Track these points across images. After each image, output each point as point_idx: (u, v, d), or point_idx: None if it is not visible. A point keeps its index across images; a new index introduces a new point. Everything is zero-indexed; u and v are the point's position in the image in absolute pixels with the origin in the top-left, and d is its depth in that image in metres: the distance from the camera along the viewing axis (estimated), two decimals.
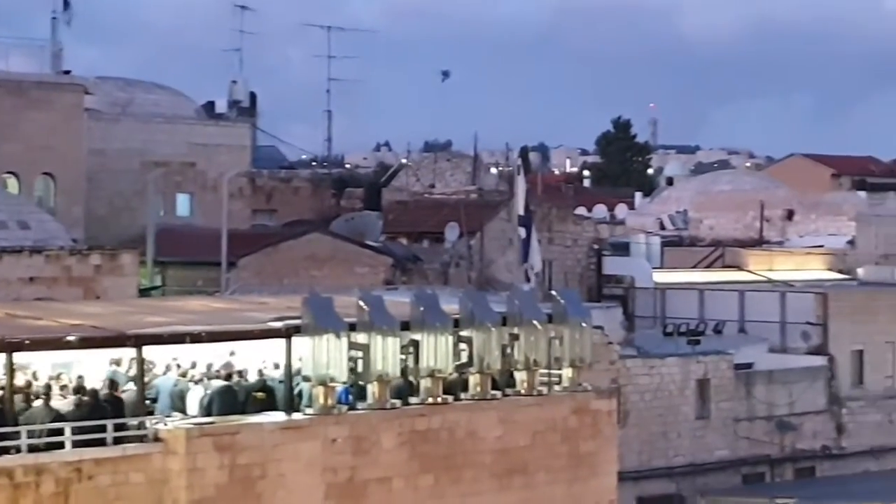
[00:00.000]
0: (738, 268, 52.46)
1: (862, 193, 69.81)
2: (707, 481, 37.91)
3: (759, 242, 58.72)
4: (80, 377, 24.39)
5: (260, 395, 25.28)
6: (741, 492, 37.71)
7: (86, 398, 23.80)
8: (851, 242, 58.34)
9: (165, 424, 23.74)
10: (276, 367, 25.75)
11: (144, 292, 35.18)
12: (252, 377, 25.71)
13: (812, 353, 42.06)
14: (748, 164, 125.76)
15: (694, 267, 53.01)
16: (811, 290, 45.15)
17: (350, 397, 25.53)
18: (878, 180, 76.75)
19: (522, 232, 42.71)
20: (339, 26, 66.51)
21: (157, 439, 23.48)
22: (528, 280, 40.42)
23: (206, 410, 24.55)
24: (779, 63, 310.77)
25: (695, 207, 65.12)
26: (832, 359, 41.81)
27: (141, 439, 23.46)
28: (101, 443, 22.95)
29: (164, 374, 25.51)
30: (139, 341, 24.42)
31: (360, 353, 25.12)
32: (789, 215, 63.78)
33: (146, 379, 24.71)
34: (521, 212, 42.96)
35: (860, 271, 53.17)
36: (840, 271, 54.00)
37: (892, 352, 43.30)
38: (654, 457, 37.08)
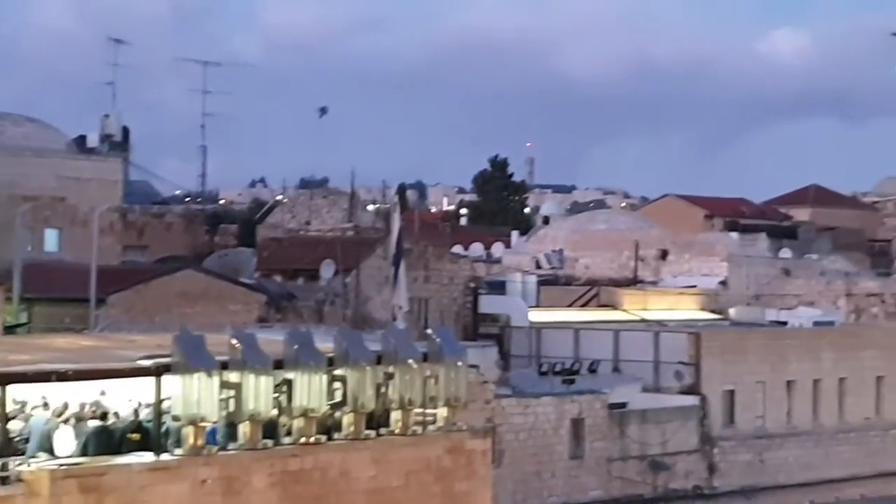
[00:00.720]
0: (613, 307, 52.82)
1: (734, 234, 70.76)
2: None
3: (633, 282, 59.16)
4: None
5: (135, 436, 24.85)
6: None
7: None
8: (723, 283, 59.01)
9: (29, 465, 23.29)
10: (148, 406, 25.39)
11: (10, 329, 34.50)
12: (127, 417, 25.33)
13: (685, 393, 42.40)
14: (623, 204, 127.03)
15: (569, 306, 53.26)
16: (684, 330, 45.67)
17: (221, 437, 25.22)
18: (750, 221, 77.94)
19: (400, 271, 42.68)
20: (216, 61, 66.13)
21: (20, 481, 23.03)
22: (394, 319, 40.26)
23: (82, 451, 24.13)
24: (655, 103, 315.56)
25: (570, 247, 65.50)
26: (704, 398, 42.21)
27: (3, 481, 22.98)
28: None
29: (36, 414, 24.99)
30: (2, 380, 23.93)
31: (231, 393, 24.82)
32: (663, 255, 64.36)
33: (13, 420, 24.24)
34: (398, 250, 42.92)
35: (732, 311, 53.77)
36: (712, 311, 54.63)
37: (762, 391, 43.91)
38: (528, 496, 37.09)
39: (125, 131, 53.05)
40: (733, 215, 79.31)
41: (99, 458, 24.03)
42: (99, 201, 44.49)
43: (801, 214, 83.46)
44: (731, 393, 43.16)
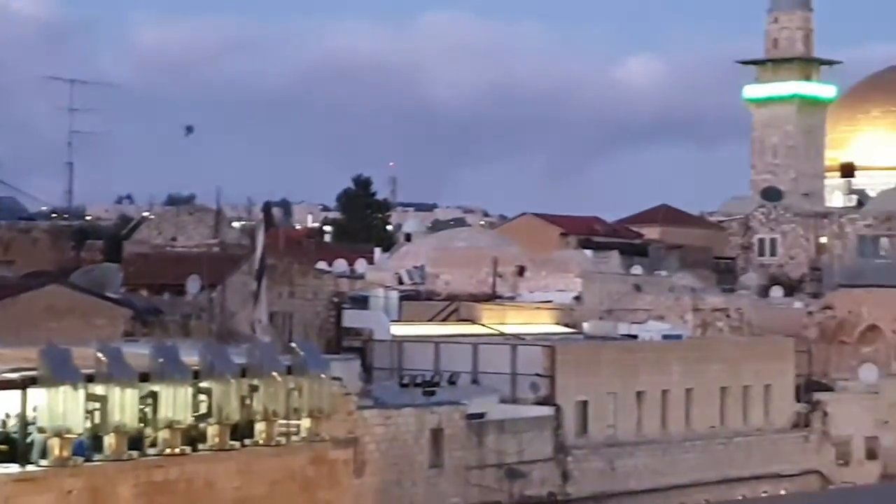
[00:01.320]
0: (472, 321, 53.03)
1: (588, 252, 71.65)
2: None
3: (491, 297, 59.57)
4: None
5: (2, 447, 24.57)
6: None
7: None
8: (578, 298, 59.64)
9: None
10: (13, 418, 25.07)
11: None
12: None
13: (540, 404, 42.65)
14: (482, 223, 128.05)
15: (430, 320, 53.41)
16: (540, 343, 46.01)
17: (86, 449, 25.00)
18: (603, 239, 78.91)
19: (263, 286, 42.59)
20: (83, 80, 65.52)
21: None
22: (253, 332, 40.13)
23: None
24: (516, 127, 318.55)
25: (431, 263, 65.74)
26: (559, 409, 42.56)
27: None
28: None
29: None
30: None
31: (97, 405, 24.64)
32: (520, 271, 64.91)
33: None
34: (262, 266, 42.82)
35: (585, 325, 54.37)
36: (567, 325, 55.10)
37: (613, 402, 44.45)
38: None
39: None
40: (587, 234, 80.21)
41: None
42: None
43: (651, 233, 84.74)
44: (585, 403, 43.57)
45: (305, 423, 29.01)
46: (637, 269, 68.83)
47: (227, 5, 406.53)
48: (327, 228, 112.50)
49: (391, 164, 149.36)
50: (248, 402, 27.64)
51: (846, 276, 71.74)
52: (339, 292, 51.21)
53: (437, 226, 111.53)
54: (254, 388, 27.77)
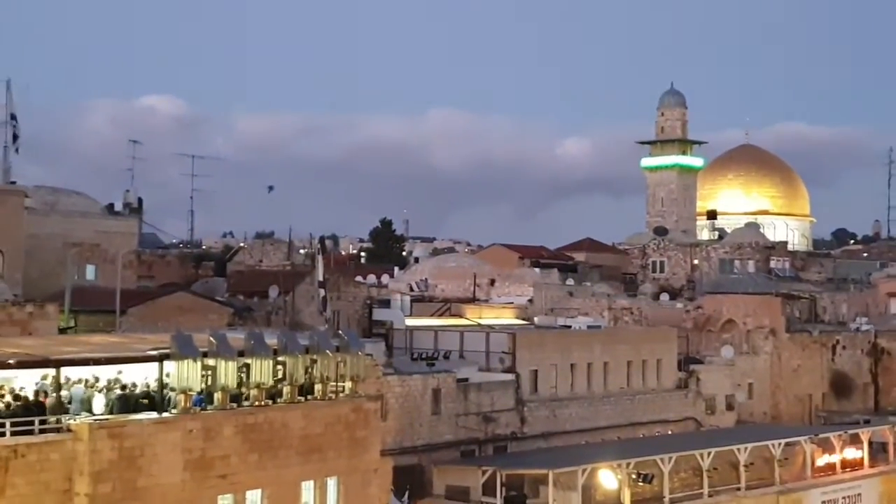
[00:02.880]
0: (460, 316, 53.27)
1: (537, 269, 71.81)
2: (439, 456, 38.08)
3: (472, 300, 59.83)
4: (19, 388, 23.77)
5: (144, 401, 24.90)
6: (460, 462, 38.11)
7: (20, 402, 23.16)
8: (531, 301, 59.91)
9: (75, 420, 23.21)
10: (154, 381, 25.35)
11: (63, 331, 34.01)
12: (140, 388, 25.31)
13: (505, 372, 42.64)
14: (466, 250, 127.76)
15: (431, 315, 53.64)
16: (505, 331, 46.07)
17: (202, 402, 25.28)
18: (547, 261, 79.02)
19: (321, 292, 42.96)
20: (200, 155, 67.37)
21: (69, 430, 22.98)
22: (325, 322, 40.40)
23: (109, 411, 24.09)
24: (490, 184, 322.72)
25: (432, 277, 66.04)
26: (518, 375, 42.52)
27: (58, 430, 22.93)
28: (31, 433, 22.49)
29: (77, 385, 24.83)
30: (58, 363, 23.91)
31: (209, 372, 24.99)
32: (492, 283, 65.24)
33: (63, 390, 24.10)
34: (320, 279, 43.17)
35: (536, 319, 54.48)
36: (524, 319, 55.25)
37: (555, 371, 44.31)
38: (404, 440, 37.18)
39: (139, 201, 52.82)
40: (537, 257, 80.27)
41: (121, 415, 23.99)
42: (122, 247, 44.24)
43: (580, 256, 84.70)
44: (536, 372, 43.44)
45: (348, 384, 29.29)
46: (570, 281, 68.99)
47: (299, 103, 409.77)
48: (363, 254, 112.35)
49: (405, 210, 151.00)
50: (310, 370, 27.94)
51: (711, 286, 71.96)
52: (371, 297, 51.47)
53: (436, 252, 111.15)
54: (314, 361, 28.08)
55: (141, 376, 25.35)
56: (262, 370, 26.28)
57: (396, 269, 75.21)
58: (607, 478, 32.97)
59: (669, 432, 46.74)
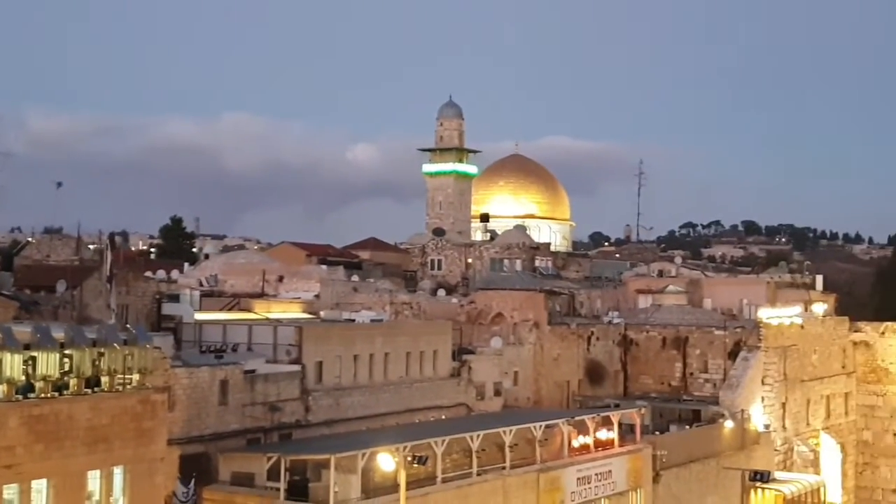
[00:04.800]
0: (248, 310, 52.59)
1: (324, 266, 71.91)
2: (225, 444, 37.52)
3: (261, 295, 59.20)
4: None
5: None
6: (246, 450, 37.67)
7: None
8: (317, 296, 59.84)
9: None
10: None
11: None
12: None
13: (292, 363, 42.57)
14: (256, 247, 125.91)
15: (220, 310, 52.70)
16: (292, 325, 45.88)
17: None
18: (334, 259, 79.37)
19: (108, 286, 41.45)
20: None
21: None
22: (112, 317, 39.00)
23: None
24: (282, 186, 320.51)
25: (222, 273, 64.85)
26: (304, 366, 42.52)
27: None
28: None
29: None
30: None
31: None
32: (280, 279, 64.69)
33: None
34: (109, 274, 41.62)
35: (322, 313, 54.46)
36: (310, 313, 55.15)
37: (339, 362, 44.39)
38: (192, 430, 36.46)
39: None
40: (324, 255, 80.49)
41: None
42: None
43: (364, 255, 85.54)
44: (321, 363, 43.46)
45: (136, 376, 28.57)
46: (355, 278, 69.50)
47: (96, 103, 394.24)
48: (153, 251, 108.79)
49: (197, 216, 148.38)
50: (97, 363, 27.10)
51: (483, 283, 74.11)
52: (160, 292, 50.03)
53: (226, 249, 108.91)
54: (101, 354, 27.26)
55: None
56: (48, 363, 25.33)
57: (186, 265, 73.37)
58: (385, 461, 33.48)
59: (443, 417, 47.72)
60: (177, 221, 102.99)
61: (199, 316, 47.80)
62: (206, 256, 79.96)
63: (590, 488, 43.33)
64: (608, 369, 63.81)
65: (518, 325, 58.76)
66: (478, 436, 38.84)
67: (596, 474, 43.85)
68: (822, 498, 58.26)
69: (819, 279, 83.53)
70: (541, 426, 42.20)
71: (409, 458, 33.81)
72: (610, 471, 44.72)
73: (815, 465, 61.84)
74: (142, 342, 29.03)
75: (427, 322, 56.35)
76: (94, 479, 26.76)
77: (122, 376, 27.97)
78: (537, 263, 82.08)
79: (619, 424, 47.05)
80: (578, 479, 42.87)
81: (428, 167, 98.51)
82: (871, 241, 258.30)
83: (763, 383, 60.07)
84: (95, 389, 27.16)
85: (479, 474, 38.75)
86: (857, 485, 70.44)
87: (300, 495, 33.78)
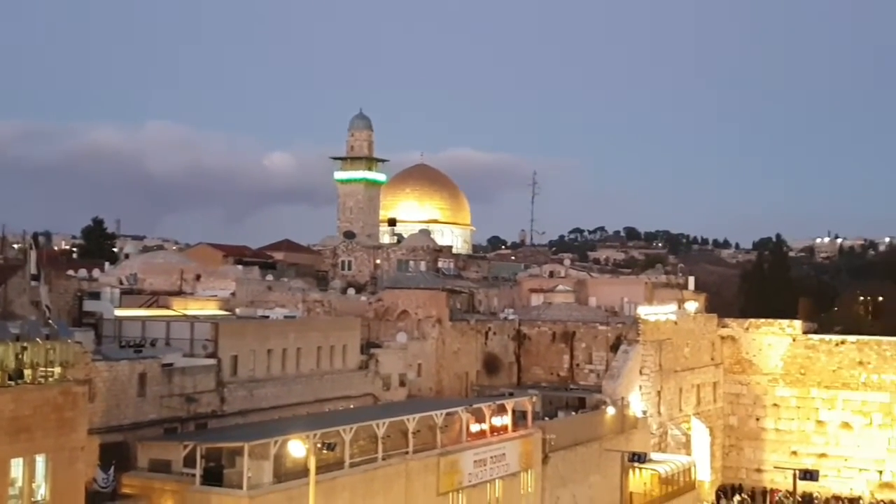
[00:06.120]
0: (167, 307, 51.64)
1: (240, 266, 70.98)
2: (144, 433, 36.87)
3: (179, 293, 58.15)
4: None
5: None
6: (163, 438, 37.09)
7: None
8: (233, 294, 59.14)
9: None
10: None
11: None
12: None
13: (208, 357, 42.02)
14: (175, 248, 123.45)
15: (139, 307, 51.58)
16: (209, 321, 45.33)
17: None
18: (250, 259, 78.38)
19: (33, 284, 40.23)
20: None
21: None
22: (48, 312, 37.82)
23: None
24: (202, 191, 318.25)
25: (141, 272, 63.51)
26: (220, 360, 42.07)
27: None
28: None
29: None
30: None
31: None
32: (198, 278, 63.68)
33: None
34: (33, 272, 40.44)
35: (238, 310, 53.92)
36: (226, 310, 54.49)
37: (253, 356, 44.04)
38: (111, 420, 35.76)
39: None
40: (240, 256, 79.41)
41: None
42: None
43: (279, 256, 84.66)
44: (236, 357, 43.08)
45: (58, 370, 27.89)
46: (269, 277, 68.81)
47: (21, 109, 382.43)
48: (75, 250, 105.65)
49: (119, 218, 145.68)
50: (20, 356, 26.36)
51: (390, 282, 74.19)
52: (81, 289, 48.75)
53: (146, 249, 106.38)
54: (24, 348, 26.53)
55: None
56: None
57: (107, 264, 71.49)
58: (296, 447, 33.32)
59: (351, 406, 47.72)
60: (98, 223, 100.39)
61: (119, 312, 46.78)
62: (127, 256, 78.03)
63: (485, 470, 43.87)
64: (503, 361, 64.65)
65: (422, 322, 59.10)
66: (383, 423, 38.96)
67: (491, 457, 44.42)
68: (693, 476, 60.18)
69: (691, 280, 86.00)
70: (441, 414, 42.56)
71: (319, 445, 33.72)
72: (504, 454, 45.35)
73: (686, 447, 63.78)
74: (63, 337, 28.41)
75: (337, 318, 56.17)
76: (17, 467, 26.09)
77: (44, 369, 27.33)
78: (440, 264, 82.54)
79: (513, 411, 47.76)
80: (475, 461, 43.38)
81: (339, 174, 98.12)
82: (737, 246, 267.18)
83: (641, 373, 61.69)
84: (18, 382, 26.47)
85: (384, 459, 38.88)
86: (724, 464, 72.90)
87: (215, 481, 33.39)
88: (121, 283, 59.39)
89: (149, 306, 52.09)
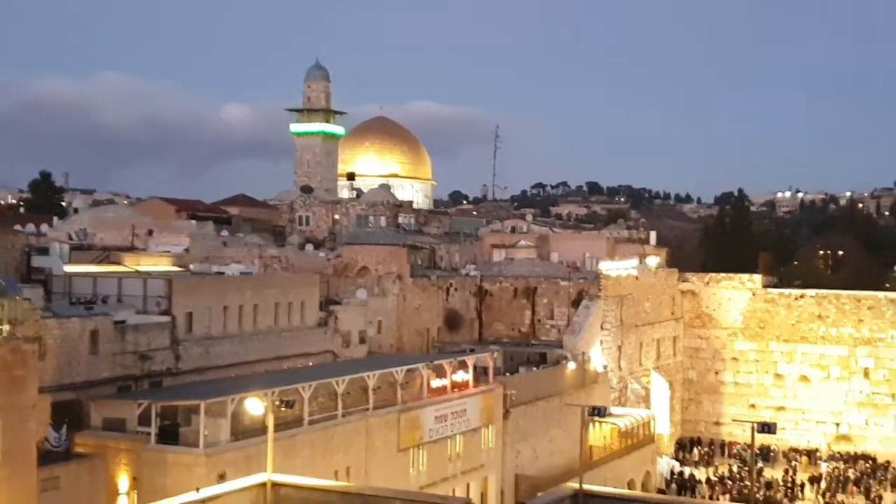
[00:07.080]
0: (119, 263, 50.97)
1: (193, 221, 70.24)
2: (97, 392, 36.56)
3: (131, 249, 57.41)
4: None
5: None
6: (117, 397, 36.81)
7: None
8: (187, 250, 58.55)
9: None
10: None
11: None
12: None
13: (162, 314, 41.64)
14: (126, 202, 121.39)
15: (90, 263, 50.85)
16: (162, 277, 44.88)
17: None
18: (203, 214, 77.59)
19: None
20: None
21: None
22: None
23: None
24: (155, 144, 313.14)
25: (91, 227, 62.57)
26: (174, 317, 41.70)
27: None
28: None
29: None
30: None
31: None
32: (150, 233, 62.93)
33: None
34: None
35: (192, 266, 53.32)
36: (181, 266, 53.93)
37: (209, 312, 43.55)
38: (63, 378, 35.37)
39: None
40: (194, 210, 78.56)
41: None
42: None
43: (234, 211, 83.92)
44: (191, 314, 42.76)
45: (6, 327, 27.46)
46: (224, 233, 68.22)
47: None
48: (22, 204, 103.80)
49: (66, 171, 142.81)
50: None
51: (349, 238, 74.07)
52: (29, 245, 47.92)
53: (96, 204, 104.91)
54: None
55: None
56: None
57: (56, 219, 70.35)
58: (254, 405, 33.18)
59: (310, 363, 47.72)
60: (46, 176, 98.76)
61: (69, 269, 46.07)
62: (76, 211, 76.80)
63: (446, 426, 44.21)
64: (465, 317, 65.00)
65: (382, 278, 59.06)
66: (343, 380, 39.01)
67: (452, 413, 44.76)
68: (652, 430, 61.24)
69: (653, 235, 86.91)
70: (402, 370, 42.70)
71: (277, 403, 33.64)
72: (465, 409, 45.71)
73: (646, 400, 64.86)
74: (11, 294, 27.93)
75: (295, 275, 55.97)
76: None
77: None
78: (400, 220, 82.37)
79: (474, 367, 48.08)
80: (436, 417, 43.68)
81: (296, 127, 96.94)
82: (699, 201, 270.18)
83: (602, 328, 62.39)
84: None
85: (343, 416, 38.96)
86: (683, 418, 74.30)
87: (171, 439, 33.24)
88: (70, 238, 58.44)
89: (100, 262, 51.35)
